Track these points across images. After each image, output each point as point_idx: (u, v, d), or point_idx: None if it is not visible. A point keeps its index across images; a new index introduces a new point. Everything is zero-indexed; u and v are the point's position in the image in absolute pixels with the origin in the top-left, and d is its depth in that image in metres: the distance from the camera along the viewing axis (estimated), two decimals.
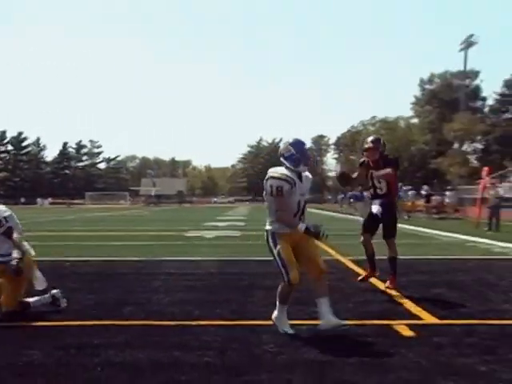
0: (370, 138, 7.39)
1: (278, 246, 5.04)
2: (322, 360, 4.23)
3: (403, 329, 5.16)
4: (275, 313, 5.22)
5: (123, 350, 4.53)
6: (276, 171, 5.05)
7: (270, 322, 5.37)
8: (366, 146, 7.27)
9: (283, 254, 5.01)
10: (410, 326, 5.23)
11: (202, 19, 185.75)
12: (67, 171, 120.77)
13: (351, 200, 36.86)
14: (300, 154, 5.05)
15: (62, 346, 4.65)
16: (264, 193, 5.12)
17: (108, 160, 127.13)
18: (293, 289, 5.07)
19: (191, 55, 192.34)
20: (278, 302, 5.17)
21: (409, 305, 6.28)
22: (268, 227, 5.17)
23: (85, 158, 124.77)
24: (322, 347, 4.55)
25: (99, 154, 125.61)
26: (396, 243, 7.34)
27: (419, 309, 6.04)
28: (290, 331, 5.03)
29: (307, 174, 5.21)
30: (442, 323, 5.46)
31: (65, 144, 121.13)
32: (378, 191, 7.26)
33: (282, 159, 5.11)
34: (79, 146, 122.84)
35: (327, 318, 4.93)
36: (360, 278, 7.52)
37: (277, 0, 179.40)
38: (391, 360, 4.23)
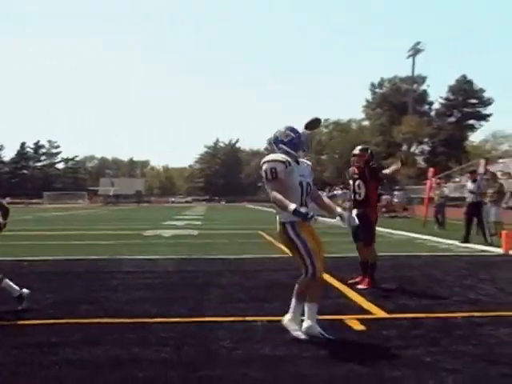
0: (359, 147, 7.70)
1: (302, 236, 4.69)
2: (277, 354, 4.25)
3: (354, 323, 5.22)
4: (288, 316, 4.85)
5: (81, 347, 4.46)
6: (268, 156, 4.88)
7: (226, 319, 5.38)
8: (354, 152, 7.58)
9: (309, 244, 4.68)
10: (361, 321, 5.30)
11: (162, 19, 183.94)
12: (25, 171, 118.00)
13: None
14: (298, 140, 4.94)
15: (19, 345, 4.55)
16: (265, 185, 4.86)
17: (66, 160, 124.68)
18: (319, 284, 4.79)
19: (149, 56, 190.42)
20: (296, 301, 4.81)
21: (360, 300, 6.36)
22: (284, 219, 4.75)
23: (43, 158, 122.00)
24: (277, 342, 4.57)
25: (57, 154, 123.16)
26: (374, 248, 7.49)
27: (369, 304, 6.13)
28: (302, 336, 4.68)
29: (305, 160, 5.07)
30: (390, 317, 5.55)
31: (23, 144, 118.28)
32: (357, 197, 7.46)
33: (280, 145, 4.91)
34: (37, 146, 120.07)
35: (311, 325, 4.69)
36: (351, 281, 7.55)
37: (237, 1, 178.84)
38: (343, 353, 4.28)
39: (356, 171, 7.48)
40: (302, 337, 4.67)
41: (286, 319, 4.83)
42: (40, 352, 4.34)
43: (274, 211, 4.83)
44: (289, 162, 4.74)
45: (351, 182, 7.54)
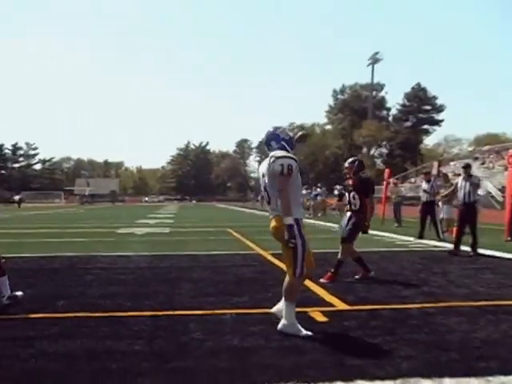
0: (349, 160, 7.83)
1: (303, 234, 4.56)
2: (245, 346, 4.24)
3: (317, 315, 5.25)
4: (283, 321, 4.59)
5: (57, 340, 4.39)
6: (280, 152, 4.62)
7: (197, 312, 5.36)
8: (345, 165, 7.74)
9: (306, 245, 4.59)
10: (324, 312, 5.33)
11: (134, 22, 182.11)
12: (3, 171, 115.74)
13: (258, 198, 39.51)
14: (293, 140, 4.82)
15: None
16: (264, 184, 4.70)
17: (43, 161, 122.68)
18: (301, 285, 4.77)
19: (124, 60, 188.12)
20: (287, 302, 4.57)
21: (323, 293, 6.39)
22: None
23: (21, 159, 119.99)
24: (245, 334, 4.57)
25: (35, 155, 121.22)
26: (348, 248, 7.57)
27: (332, 297, 6.17)
28: (309, 333, 4.51)
29: None
30: (351, 309, 5.59)
31: (1, 146, 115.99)
32: (352, 207, 7.62)
33: (282, 142, 4.71)
34: (15, 148, 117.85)
35: (288, 323, 4.55)
36: (357, 276, 7.65)
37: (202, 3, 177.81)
38: (306, 343, 4.30)
39: (351, 183, 7.65)
40: (309, 333, 4.49)
41: (281, 325, 4.61)
42: (17, 345, 4.26)
43: (269, 207, 4.69)
44: (297, 162, 4.62)
45: (347, 193, 7.68)
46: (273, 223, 4.65)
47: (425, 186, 14.46)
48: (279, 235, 4.56)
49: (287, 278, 4.64)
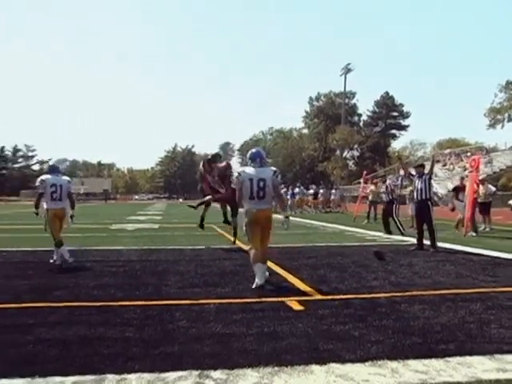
0: None
1: None
2: (227, 332, 4.24)
3: (294, 304, 5.26)
4: (265, 274, 6.31)
5: (54, 327, 4.36)
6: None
7: (183, 302, 5.35)
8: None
9: None
10: (300, 302, 5.35)
11: (124, 22, 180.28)
12: (4, 172, 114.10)
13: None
14: None
15: None
16: (267, 187, 6.13)
17: (41, 162, 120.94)
18: None
19: (120, 68, 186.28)
20: (266, 265, 6.39)
21: (299, 284, 6.41)
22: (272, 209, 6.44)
23: (20, 160, 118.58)
24: (227, 322, 4.56)
25: (33, 156, 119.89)
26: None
27: (307, 287, 6.18)
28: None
29: None
30: (325, 298, 5.61)
31: (2, 148, 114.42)
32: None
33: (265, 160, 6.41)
34: (15, 150, 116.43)
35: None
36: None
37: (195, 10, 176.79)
38: (284, 330, 4.31)
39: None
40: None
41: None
42: (17, 332, 4.22)
43: (269, 201, 6.27)
44: None
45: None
46: (268, 213, 6.26)
47: (382, 187, 14.61)
48: (270, 221, 6.28)
49: (264, 250, 6.30)
